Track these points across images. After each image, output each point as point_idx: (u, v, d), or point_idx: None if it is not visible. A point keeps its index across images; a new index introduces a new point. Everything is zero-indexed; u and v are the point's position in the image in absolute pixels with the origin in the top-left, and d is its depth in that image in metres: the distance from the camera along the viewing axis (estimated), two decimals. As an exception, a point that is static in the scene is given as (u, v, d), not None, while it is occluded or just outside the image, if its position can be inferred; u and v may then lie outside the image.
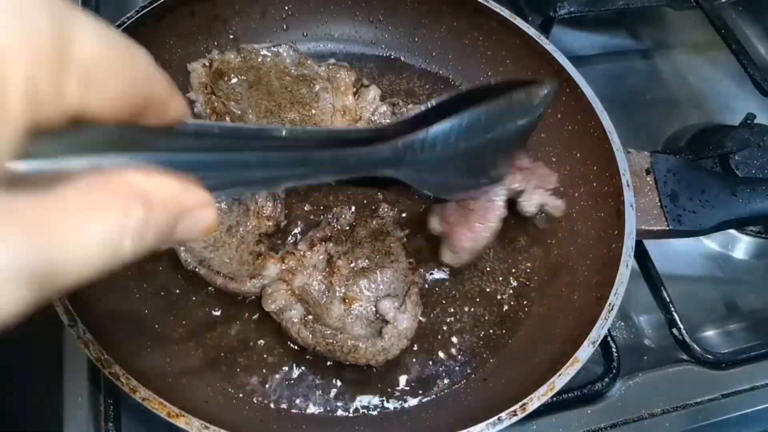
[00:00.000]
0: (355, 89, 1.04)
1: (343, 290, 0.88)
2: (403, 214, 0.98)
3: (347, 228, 0.92)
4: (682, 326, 0.95)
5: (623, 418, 0.90)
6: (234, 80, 0.99)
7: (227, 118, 0.95)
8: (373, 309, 0.87)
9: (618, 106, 1.26)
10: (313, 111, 1.00)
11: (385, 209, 0.96)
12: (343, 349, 0.82)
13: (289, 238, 0.95)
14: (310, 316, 0.84)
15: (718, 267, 1.16)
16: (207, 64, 0.99)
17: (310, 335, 0.82)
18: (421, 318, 0.89)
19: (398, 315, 0.85)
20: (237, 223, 0.91)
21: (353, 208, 0.95)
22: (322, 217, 0.96)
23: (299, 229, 0.96)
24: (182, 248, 0.88)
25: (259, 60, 1.01)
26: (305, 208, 0.97)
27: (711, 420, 0.92)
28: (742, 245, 1.18)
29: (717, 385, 0.94)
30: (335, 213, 0.94)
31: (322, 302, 0.87)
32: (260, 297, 0.86)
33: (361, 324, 0.86)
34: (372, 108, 1.03)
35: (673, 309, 0.96)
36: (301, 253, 0.89)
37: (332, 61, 1.06)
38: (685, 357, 0.96)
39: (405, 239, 0.94)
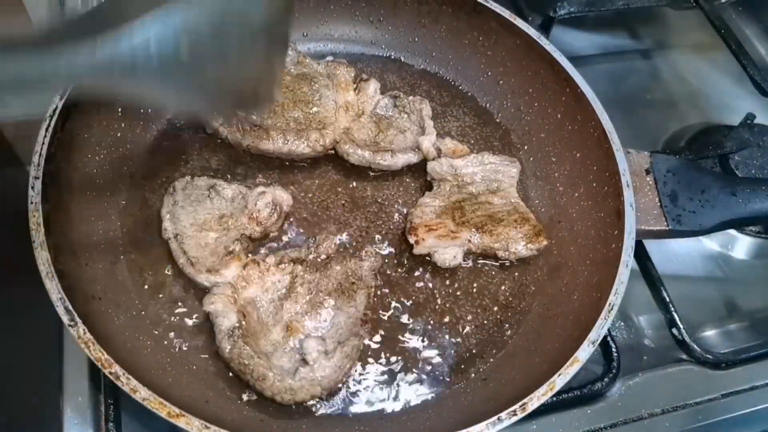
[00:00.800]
0: (355, 84, 1.04)
1: (290, 317, 0.84)
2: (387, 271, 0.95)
3: (323, 257, 0.90)
4: (681, 326, 0.95)
5: (623, 418, 0.90)
6: None
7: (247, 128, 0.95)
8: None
9: (618, 106, 1.26)
10: (316, 108, 1.00)
11: (369, 252, 0.92)
12: (253, 374, 0.78)
13: (263, 250, 0.93)
14: (239, 331, 0.80)
15: (718, 267, 1.16)
16: None
17: (228, 349, 0.79)
18: (420, 319, 0.90)
19: (321, 360, 0.79)
20: (230, 215, 0.90)
21: (339, 240, 0.94)
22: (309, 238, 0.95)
23: (281, 243, 0.94)
24: (168, 216, 0.87)
25: None
26: (298, 226, 0.96)
27: (711, 420, 0.92)
28: (742, 245, 1.18)
29: (717, 385, 0.94)
30: (318, 239, 0.91)
31: (265, 321, 0.84)
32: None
33: (289, 357, 0.81)
34: (374, 101, 1.03)
35: (672, 309, 0.96)
36: (267, 266, 0.87)
37: (330, 58, 1.07)
38: (684, 357, 0.96)
39: (374, 289, 0.91)
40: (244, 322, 0.82)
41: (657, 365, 0.97)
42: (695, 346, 0.94)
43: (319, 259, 0.89)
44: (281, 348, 0.82)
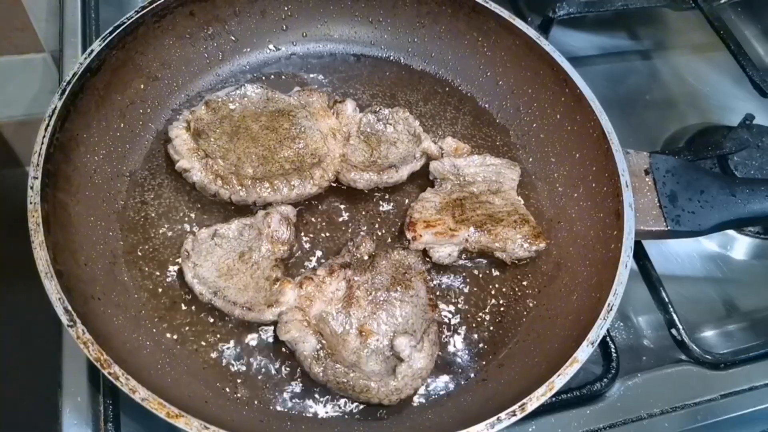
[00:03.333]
0: (332, 108, 1.02)
1: (360, 322, 0.85)
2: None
3: (366, 257, 0.90)
4: (681, 327, 0.95)
5: (622, 418, 0.90)
6: (213, 137, 0.95)
7: (233, 180, 0.91)
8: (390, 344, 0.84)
9: (617, 106, 1.26)
10: (303, 142, 0.97)
11: (408, 242, 0.93)
12: (354, 388, 0.79)
13: (306, 263, 0.93)
14: (323, 351, 0.81)
15: (717, 267, 1.16)
16: (186, 125, 0.95)
17: (321, 372, 0.80)
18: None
19: (414, 353, 0.81)
20: (249, 249, 0.88)
21: (373, 237, 0.95)
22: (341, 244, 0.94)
23: (315, 256, 0.94)
24: (195, 280, 0.85)
25: (230, 107, 0.98)
26: (322, 234, 0.96)
27: (710, 420, 0.92)
28: (740, 245, 1.18)
29: (716, 385, 0.95)
30: (356, 241, 0.92)
31: (338, 332, 0.84)
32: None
33: (376, 359, 0.83)
34: (356, 121, 1.01)
35: (672, 309, 0.96)
36: (320, 278, 0.86)
37: (297, 88, 1.04)
38: (684, 357, 0.96)
39: (426, 273, 0.92)
40: (323, 341, 0.81)
41: (656, 365, 0.97)
42: (694, 347, 0.94)
43: (363, 259, 0.90)
44: (363, 353, 0.83)
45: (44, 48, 1.47)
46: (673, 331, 0.95)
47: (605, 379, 0.90)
